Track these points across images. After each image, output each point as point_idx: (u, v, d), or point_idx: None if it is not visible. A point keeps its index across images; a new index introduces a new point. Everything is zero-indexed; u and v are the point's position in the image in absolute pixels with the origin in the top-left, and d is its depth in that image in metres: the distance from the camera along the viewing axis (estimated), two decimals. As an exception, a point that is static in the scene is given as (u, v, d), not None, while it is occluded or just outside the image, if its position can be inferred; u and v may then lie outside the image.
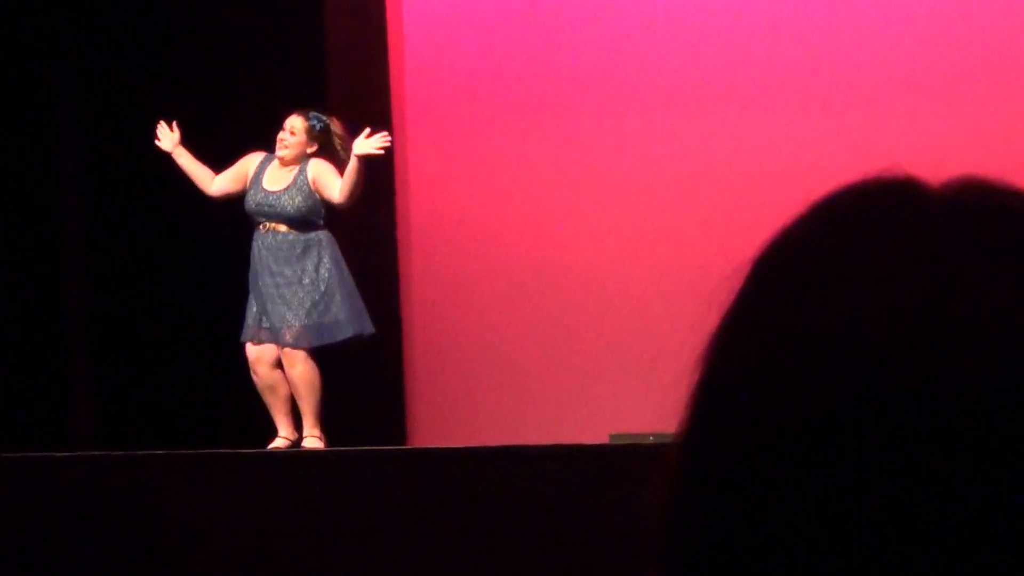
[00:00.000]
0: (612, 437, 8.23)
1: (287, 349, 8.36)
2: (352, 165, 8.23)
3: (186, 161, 8.60)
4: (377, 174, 8.74)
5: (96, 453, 8.59)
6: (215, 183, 8.57)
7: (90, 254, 10.14)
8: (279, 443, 8.42)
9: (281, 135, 8.42)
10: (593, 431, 8.44)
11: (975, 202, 0.85)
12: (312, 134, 8.38)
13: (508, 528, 7.09)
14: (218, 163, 8.66)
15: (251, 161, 8.53)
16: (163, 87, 9.90)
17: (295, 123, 8.41)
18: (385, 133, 8.32)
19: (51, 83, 10.10)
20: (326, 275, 8.35)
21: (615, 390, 9.61)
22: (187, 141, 8.83)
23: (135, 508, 7.42)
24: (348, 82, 9.80)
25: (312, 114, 8.43)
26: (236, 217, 8.82)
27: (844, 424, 0.80)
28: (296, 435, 8.43)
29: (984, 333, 0.80)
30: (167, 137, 8.61)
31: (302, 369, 8.34)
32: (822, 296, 0.83)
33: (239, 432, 8.72)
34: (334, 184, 8.32)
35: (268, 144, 8.52)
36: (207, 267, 9.67)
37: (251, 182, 8.48)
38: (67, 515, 7.49)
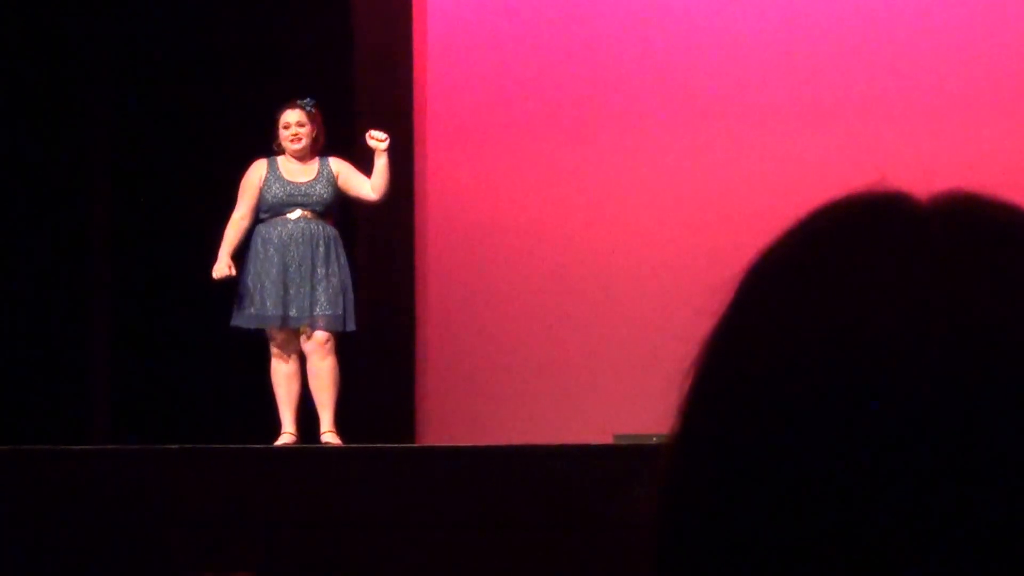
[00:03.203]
0: (616, 437, 8.26)
1: (317, 343, 8.37)
2: (384, 162, 8.42)
3: (229, 249, 8.46)
4: (396, 177, 8.84)
5: (113, 447, 8.60)
6: (244, 220, 8.50)
7: (112, 250, 10.13)
8: (286, 439, 8.38)
9: (288, 132, 8.48)
10: (598, 431, 8.50)
11: (963, 215, 0.84)
12: (313, 118, 8.52)
13: (514, 525, 7.09)
14: (244, 164, 8.71)
15: (256, 170, 8.54)
16: (190, 87, 10.00)
17: (297, 116, 8.50)
18: (373, 133, 8.50)
19: (80, 79, 10.07)
20: (344, 267, 8.47)
21: (619, 392, 9.63)
22: (208, 146, 8.86)
23: (152, 501, 7.40)
24: (374, 85, 9.89)
25: (301, 102, 8.54)
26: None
27: (831, 433, 0.79)
28: (299, 432, 8.41)
29: (972, 346, 0.79)
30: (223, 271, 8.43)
31: (332, 362, 8.39)
32: (809, 308, 0.82)
33: (254, 427, 8.78)
34: (362, 181, 8.50)
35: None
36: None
37: (267, 182, 8.48)
38: (84, 508, 7.45)
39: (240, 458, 7.77)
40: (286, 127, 8.51)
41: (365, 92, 9.86)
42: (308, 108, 8.54)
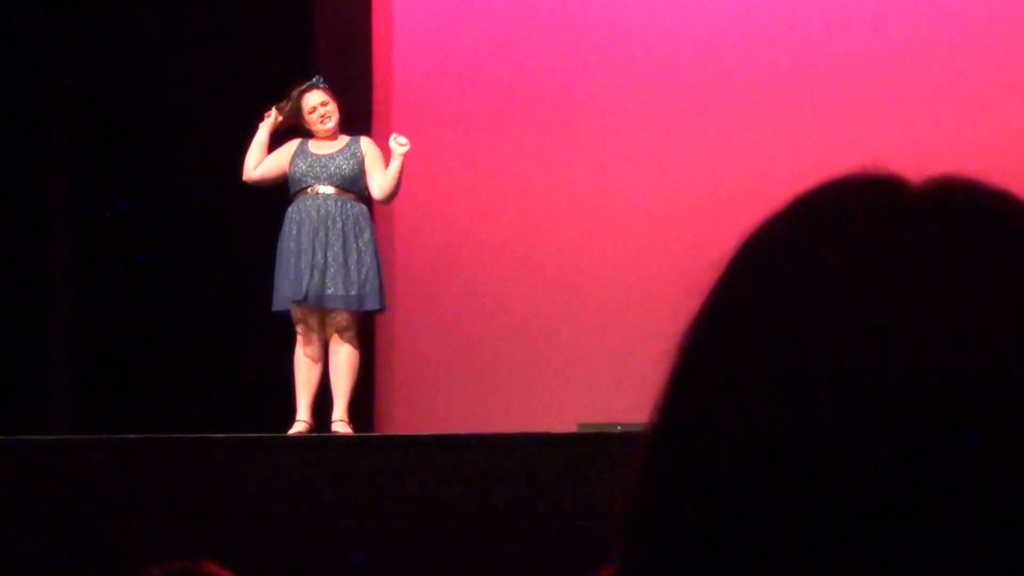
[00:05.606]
0: (580, 426, 8.26)
1: (336, 329, 8.25)
2: (396, 165, 8.34)
3: (261, 138, 8.44)
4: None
5: (74, 437, 8.52)
6: (258, 168, 8.43)
7: (72, 238, 10.08)
8: (300, 427, 8.28)
9: (316, 115, 8.39)
10: (562, 420, 8.50)
11: (955, 200, 0.84)
12: (330, 92, 8.44)
13: (477, 513, 7.10)
14: (198, 147, 8.65)
15: (290, 146, 8.45)
16: (149, 73, 9.96)
17: (319, 97, 8.41)
18: (399, 139, 8.43)
19: (40, 68, 10.07)
20: (367, 245, 8.33)
21: (583, 380, 9.67)
22: (170, 128, 8.81)
23: (112, 493, 7.40)
24: (334, 77, 9.85)
25: (316, 82, 8.46)
26: (216, 204, 8.85)
27: (816, 419, 0.79)
28: (314, 420, 8.33)
29: (961, 330, 0.79)
30: (272, 117, 8.45)
31: (349, 350, 8.28)
32: (798, 291, 0.82)
33: (217, 416, 8.76)
34: (377, 175, 8.37)
35: (251, 132, 8.52)
36: (188, 253, 9.71)
37: (294, 156, 8.38)
38: (44, 499, 7.45)
39: (204, 448, 7.74)
40: (312, 111, 8.41)
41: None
42: (323, 84, 8.45)
